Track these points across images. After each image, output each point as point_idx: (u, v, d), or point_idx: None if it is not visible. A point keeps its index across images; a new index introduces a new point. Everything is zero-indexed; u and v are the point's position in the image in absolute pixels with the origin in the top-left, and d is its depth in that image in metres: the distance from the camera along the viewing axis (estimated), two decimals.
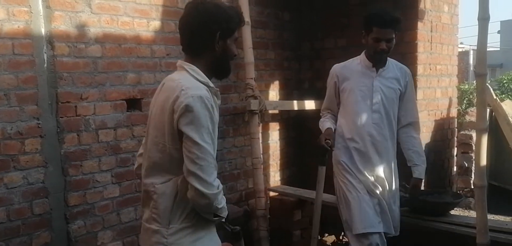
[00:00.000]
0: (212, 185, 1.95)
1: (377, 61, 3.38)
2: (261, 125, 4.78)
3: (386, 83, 3.42)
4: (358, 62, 3.47)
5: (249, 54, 4.40)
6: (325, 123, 3.57)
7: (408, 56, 4.72)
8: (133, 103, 3.81)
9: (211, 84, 2.10)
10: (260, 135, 4.76)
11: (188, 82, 2.02)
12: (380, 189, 3.45)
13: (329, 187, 4.98)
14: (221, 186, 2.00)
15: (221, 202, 2.03)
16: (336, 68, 3.54)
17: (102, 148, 3.62)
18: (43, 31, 3.27)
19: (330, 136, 3.42)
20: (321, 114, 3.68)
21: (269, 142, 5.14)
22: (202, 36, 2.07)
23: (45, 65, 3.29)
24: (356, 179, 3.45)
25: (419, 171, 3.48)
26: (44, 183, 3.32)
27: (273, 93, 5.12)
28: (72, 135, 3.45)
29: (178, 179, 2.03)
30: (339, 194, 3.62)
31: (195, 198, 1.95)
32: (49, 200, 3.35)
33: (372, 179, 3.43)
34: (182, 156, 1.96)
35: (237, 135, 4.72)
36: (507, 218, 3.82)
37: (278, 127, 5.26)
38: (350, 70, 3.46)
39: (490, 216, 3.43)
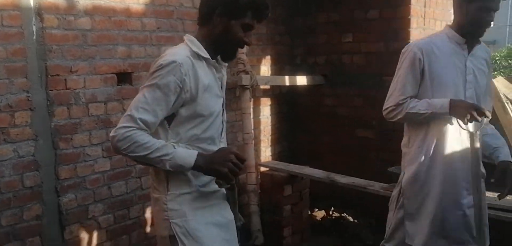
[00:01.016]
0: (116, 129, 1.94)
1: (477, 37, 2.73)
2: (252, 100, 4.78)
3: (477, 65, 2.77)
4: (445, 38, 2.77)
5: None
6: (436, 101, 2.67)
7: (400, 32, 4.72)
8: (124, 77, 3.79)
9: (206, 55, 2.06)
10: (251, 110, 4.76)
11: (174, 50, 2.05)
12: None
13: (319, 162, 5.03)
14: (125, 134, 1.92)
15: (125, 146, 1.92)
16: (419, 45, 2.77)
17: (92, 122, 3.60)
18: (31, 2, 3.22)
19: (475, 108, 2.55)
20: (397, 102, 2.76)
21: (260, 117, 5.15)
22: (203, 8, 2.09)
23: (34, 37, 3.26)
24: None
25: (505, 152, 2.78)
26: (35, 156, 3.31)
27: (265, 68, 5.10)
28: (62, 108, 3.43)
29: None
30: None
31: None
32: (39, 173, 3.34)
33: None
34: (163, 121, 2.02)
35: (228, 110, 4.68)
36: (496, 194, 3.83)
37: (269, 102, 5.26)
38: (438, 47, 2.74)
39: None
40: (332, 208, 5.27)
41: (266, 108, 5.19)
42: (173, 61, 1.94)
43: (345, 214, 5.15)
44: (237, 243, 2.31)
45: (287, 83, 5.07)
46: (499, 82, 6.40)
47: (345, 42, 5.13)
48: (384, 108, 2.85)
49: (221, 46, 2.09)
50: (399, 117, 2.77)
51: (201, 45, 2.06)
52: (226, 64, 2.21)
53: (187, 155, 1.95)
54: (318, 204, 5.36)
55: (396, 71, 2.86)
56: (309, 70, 5.32)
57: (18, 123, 3.21)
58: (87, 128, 3.58)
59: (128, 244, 3.93)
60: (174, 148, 1.95)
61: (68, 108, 3.46)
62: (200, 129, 2.07)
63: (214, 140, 2.15)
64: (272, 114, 5.29)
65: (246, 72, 4.46)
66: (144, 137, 1.92)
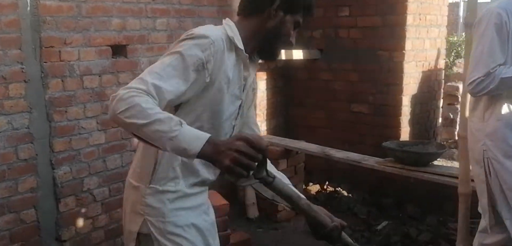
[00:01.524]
0: (119, 90, 1.58)
1: None
2: None
3: None
4: None
5: (236, 1, 4.32)
6: None
7: (397, 6, 4.69)
8: (119, 50, 3.75)
9: (240, 45, 1.79)
10: None
11: (209, 26, 1.78)
12: None
13: (314, 137, 5.04)
14: (128, 94, 1.53)
15: (123, 109, 1.52)
16: (502, 6, 2.54)
17: (87, 94, 3.57)
18: None
19: None
20: (488, 71, 2.53)
21: None
22: None
23: (28, 8, 3.21)
24: None
25: None
26: (29, 128, 3.29)
27: None
28: (57, 80, 3.39)
29: None
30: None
31: None
32: (34, 145, 3.33)
33: None
34: (172, 108, 1.74)
35: None
36: None
37: (265, 77, 5.24)
38: None
39: None
40: (327, 183, 5.31)
41: (261, 83, 5.17)
42: (205, 36, 1.68)
43: (339, 188, 5.19)
44: None
45: (283, 58, 5.04)
46: None
47: (341, 16, 5.10)
48: (469, 81, 2.61)
49: (269, 41, 1.84)
50: (491, 87, 2.53)
51: (238, 34, 1.80)
52: (260, 62, 1.98)
53: (194, 137, 1.49)
54: (313, 178, 5.40)
55: (476, 40, 2.63)
56: (305, 44, 5.29)
57: (12, 95, 3.18)
58: (82, 100, 3.55)
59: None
60: (181, 125, 1.49)
61: (62, 81, 3.42)
62: (205, 126, 1.77)
63: None
64: (267, 88, 5.28)
65: None
66: (148, 103, 1.51)
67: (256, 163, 1.47)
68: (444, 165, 3.98)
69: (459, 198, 3.21)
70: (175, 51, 1.66)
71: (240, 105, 1.90)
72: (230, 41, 1.77)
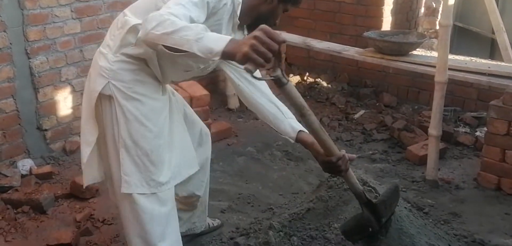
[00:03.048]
0: (155, 13, 1.74)
1: None
2: None
3: None
4: None
5: None
6: None
7: None
8: None
9: (238, 13, 1.98)
10: None
11: None
12: None
13: (296, 28, 4.99)
14: (158, 15, 1.72)
15: (154, 25, 1.70)
16: None
17: None
18: None
19: None
20: None
21: None
22: None
23: None
24: None
25: None
26: (1, 16, 3.18)
27: None
28: None
29: None
30: None
31: None
32: (7, 34, 3.23)
33: None
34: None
35: None
36: (467, 58, 3.91)
37: None
38: None
39: (451, 56, 3.51)
40: (307, 74, 5.33)
41: None
42: None
43: (319, 79, 5.23)
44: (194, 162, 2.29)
45: None
46: None
47: None
48: None
49: (259, 22, 1.79)
50: None
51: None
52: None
53: (218, 37, 1.65)
54: (294, 70, 5.42)
55: None
56: None
57: None
58: None
59: None
60: (206, 30, 1.67)
61: None
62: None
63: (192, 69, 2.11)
64: None
65: None
66: (176, 18, 1.70)
67: (272, 55, 1.54)
68: (424, 54, 3.99)
69: (435, 87, 3.26)
70: None
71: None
72: (234, 4, 1.96)
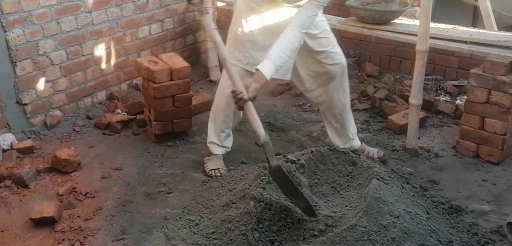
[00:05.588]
0: None
1: None
2: None
3: None
4: None
5: None
6: None
7: None
8: None
9: None
10: None
11: None
12: None
13: None
14: None
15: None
16: None
17: None
18: None
19: None
20: None
21: None
22: None
23: None
24: None
25: None
26: None
27: None
28: None
29: None
30: None
31: None
32: None
33: None
34: None
35: None
36: (449, 26, 3.91)
37: None
38: None
39: (433, 24, 3.51)
40: None
41: None
42: None
43: None
44: None
45: None
46: None
47: None
48: None
49: None
50: None
51: None
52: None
53: None
54: None
55: None
56: None
57: None
58: None
59: (84, 80, 3.91)
60: None
61: None
62: None
63: None
64: None
65: None
66: None
67: None
68: (406, 23, 3.98)
69: (416, 56, 3.27)
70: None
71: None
72: None
